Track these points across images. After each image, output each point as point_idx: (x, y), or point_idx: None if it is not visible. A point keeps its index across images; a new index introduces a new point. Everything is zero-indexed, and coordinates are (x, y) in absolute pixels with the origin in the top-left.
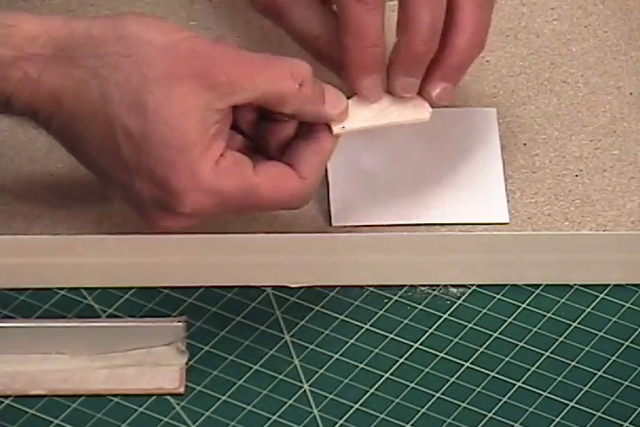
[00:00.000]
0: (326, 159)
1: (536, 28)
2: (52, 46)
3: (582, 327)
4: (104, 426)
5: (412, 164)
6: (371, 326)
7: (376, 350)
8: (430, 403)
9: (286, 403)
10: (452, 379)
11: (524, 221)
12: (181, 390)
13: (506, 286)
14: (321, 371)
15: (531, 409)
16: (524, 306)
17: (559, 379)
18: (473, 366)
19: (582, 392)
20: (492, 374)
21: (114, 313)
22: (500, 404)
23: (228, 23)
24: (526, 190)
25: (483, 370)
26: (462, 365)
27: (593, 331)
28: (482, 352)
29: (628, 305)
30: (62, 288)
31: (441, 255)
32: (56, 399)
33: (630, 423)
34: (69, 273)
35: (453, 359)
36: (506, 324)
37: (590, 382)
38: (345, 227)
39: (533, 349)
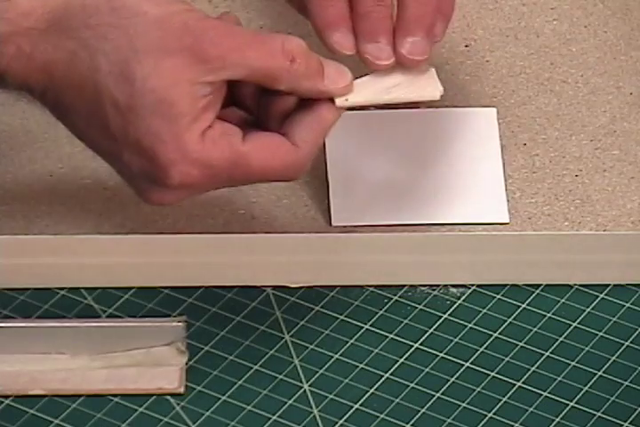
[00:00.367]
0: (325, 129)
1: (536, 28)
2: (46, 19)
3: (582, 327)
4: (104, 426)
5: (412, 164)
6: (371, 326)
7: (376, 350)
8: (430, 403)
9: (286, 403)
10: (452, 379)
11: (524, 221)
12: (181, 390)
13: (506, 286)
14: (321, 371)
15: (531, 409)
16: (524, 306)
17: (559, 379)
18: (473, 366)
19: (582, 392)
20: (492, 374)
21: (114, 313)
22: (499, 404)
23: None
24: (526, 190)
25: (483, 370)
26: (462, 365)
27: (593, 331)
28: (482, 352)
29: (627, 305)
30: (62, 288)
31: (441, 255)
32: (56, 399)
33: (630, 423)
34: (69, 273)
35: (453, 359)
36: (506, 324)
37: (590, 382)
38: (345, 227)
39: (533, 349)
